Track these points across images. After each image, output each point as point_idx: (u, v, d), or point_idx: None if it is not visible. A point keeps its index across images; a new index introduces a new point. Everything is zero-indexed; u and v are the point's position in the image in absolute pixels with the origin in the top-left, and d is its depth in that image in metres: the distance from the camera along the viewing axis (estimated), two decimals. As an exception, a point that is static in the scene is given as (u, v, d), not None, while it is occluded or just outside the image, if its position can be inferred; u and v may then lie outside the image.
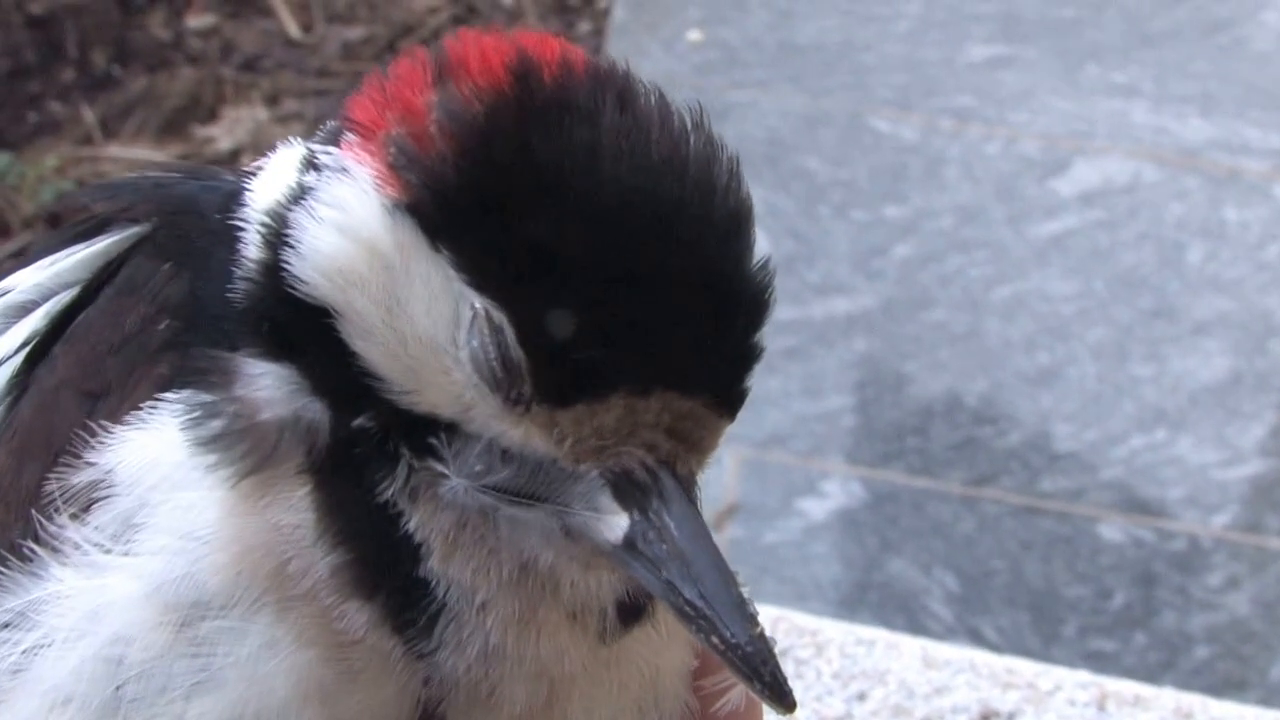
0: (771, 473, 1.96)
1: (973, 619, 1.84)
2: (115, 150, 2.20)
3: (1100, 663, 1.71)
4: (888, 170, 2.38)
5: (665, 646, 0.44)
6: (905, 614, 1.83)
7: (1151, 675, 1.71)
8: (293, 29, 2.45)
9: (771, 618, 1.40)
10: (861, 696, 1.35)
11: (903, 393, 2.09)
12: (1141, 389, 2.10)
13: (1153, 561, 1.91)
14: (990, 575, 1.88)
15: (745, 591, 0.38)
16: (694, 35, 2.56)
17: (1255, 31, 2.64)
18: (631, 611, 0.42)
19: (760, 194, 2.23)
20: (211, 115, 2.26)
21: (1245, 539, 1.93)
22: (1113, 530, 1.93)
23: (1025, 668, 1.41)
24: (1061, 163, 2.40)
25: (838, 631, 1.44)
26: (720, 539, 1.84)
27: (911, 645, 1.44)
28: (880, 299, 2.19)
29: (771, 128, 2.40)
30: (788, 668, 1.37)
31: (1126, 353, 2.15)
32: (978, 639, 1.79)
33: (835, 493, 1.94)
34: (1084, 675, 1.42)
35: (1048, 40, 2.61)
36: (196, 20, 2.45)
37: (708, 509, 1.64)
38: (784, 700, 0.37)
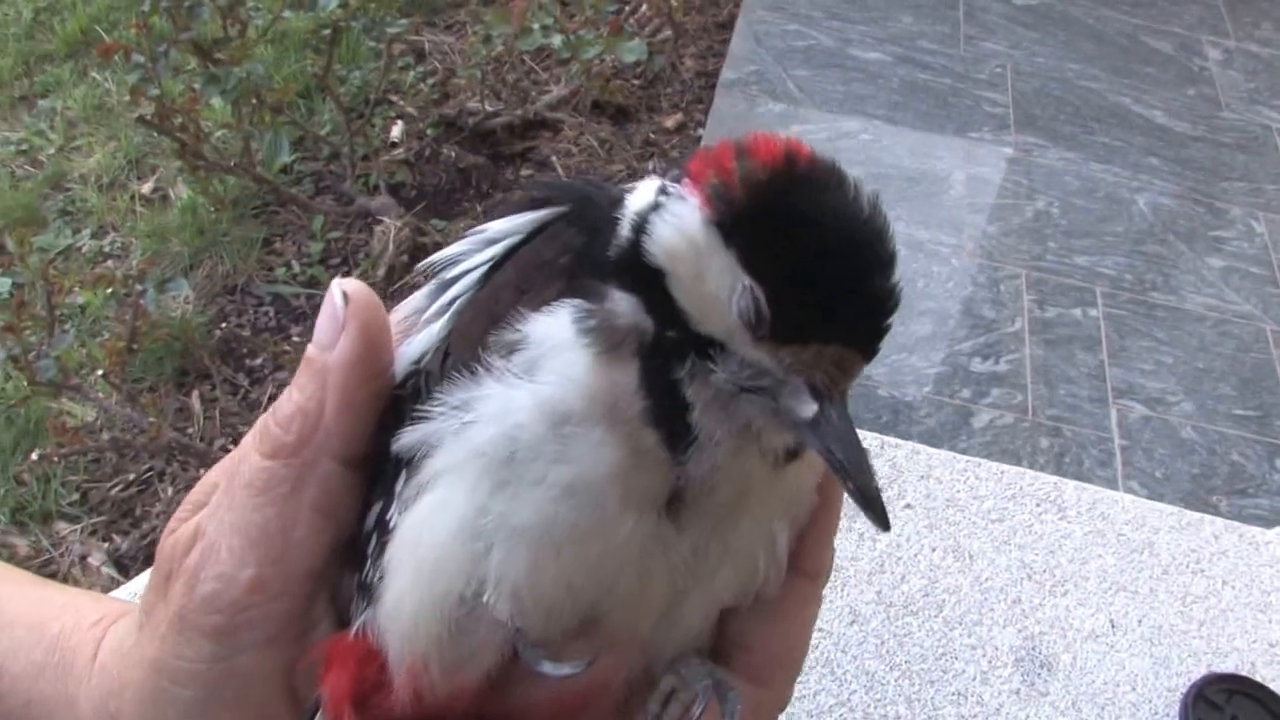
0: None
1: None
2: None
3: None
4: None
5: (806, 473, 0.61)
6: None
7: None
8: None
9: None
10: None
11: None
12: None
13: None
14: None
15: (870, 458, 0.54)
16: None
17: None
18: (793, 454, 0.58)
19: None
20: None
21: None
22: None
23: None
24: None
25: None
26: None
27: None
28: None
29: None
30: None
31: None
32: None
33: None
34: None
35: None
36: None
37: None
38: (883, 521, 0.53)
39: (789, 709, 0.68)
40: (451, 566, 0.57)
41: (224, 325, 3.21)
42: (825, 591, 0.67)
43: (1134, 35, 4.67)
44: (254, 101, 3.11)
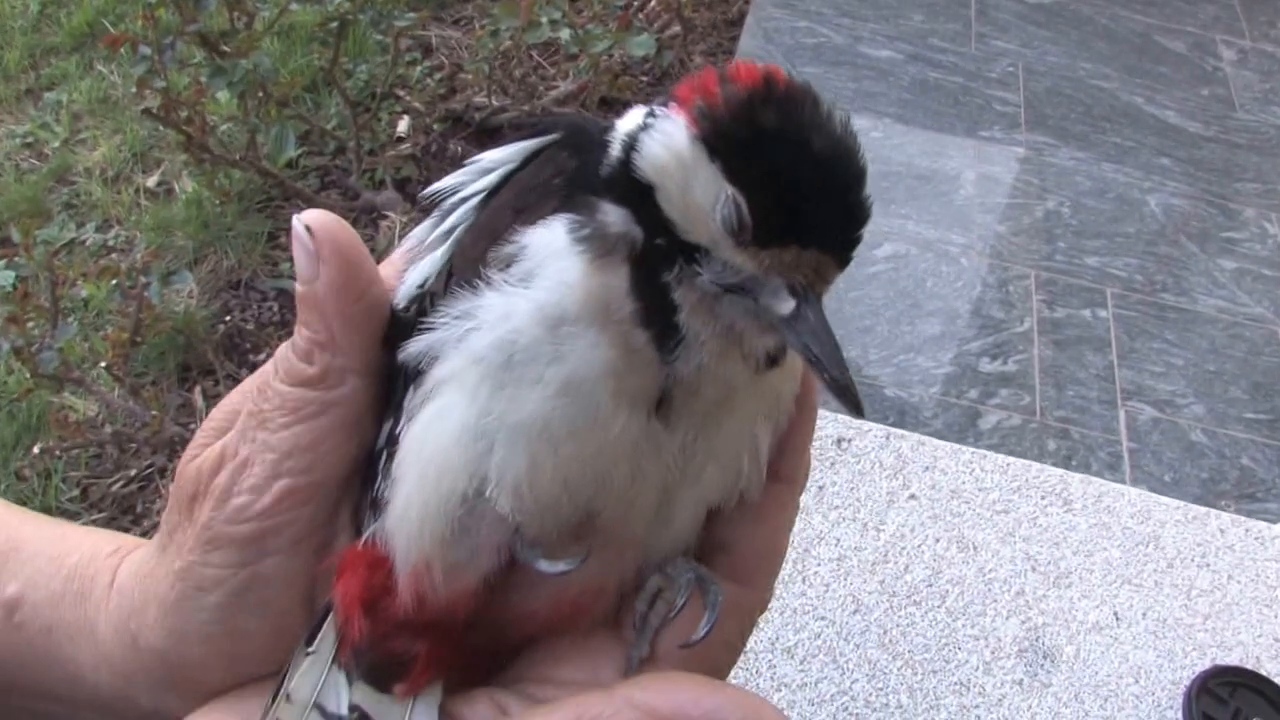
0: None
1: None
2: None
3: None
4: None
5: (786, 379, 0.66)
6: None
7: None
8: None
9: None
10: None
11: None
12: None
13: None
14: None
15: (843, 353, 0.58)
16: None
17: None
18: (774, 359, 0.62)
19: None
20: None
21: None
22: None
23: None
24: None
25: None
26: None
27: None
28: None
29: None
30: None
31: None
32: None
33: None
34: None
35: None
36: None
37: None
38: (857, 408, 0.58)
39: (791, 697, 0.68)
40: (455, 466, 0.61)
41: (228, 319, 3.22)
42: (828, 580, 0.67)
43: (1147, 34, 4.66)
44: (260, 95, 3.13)
